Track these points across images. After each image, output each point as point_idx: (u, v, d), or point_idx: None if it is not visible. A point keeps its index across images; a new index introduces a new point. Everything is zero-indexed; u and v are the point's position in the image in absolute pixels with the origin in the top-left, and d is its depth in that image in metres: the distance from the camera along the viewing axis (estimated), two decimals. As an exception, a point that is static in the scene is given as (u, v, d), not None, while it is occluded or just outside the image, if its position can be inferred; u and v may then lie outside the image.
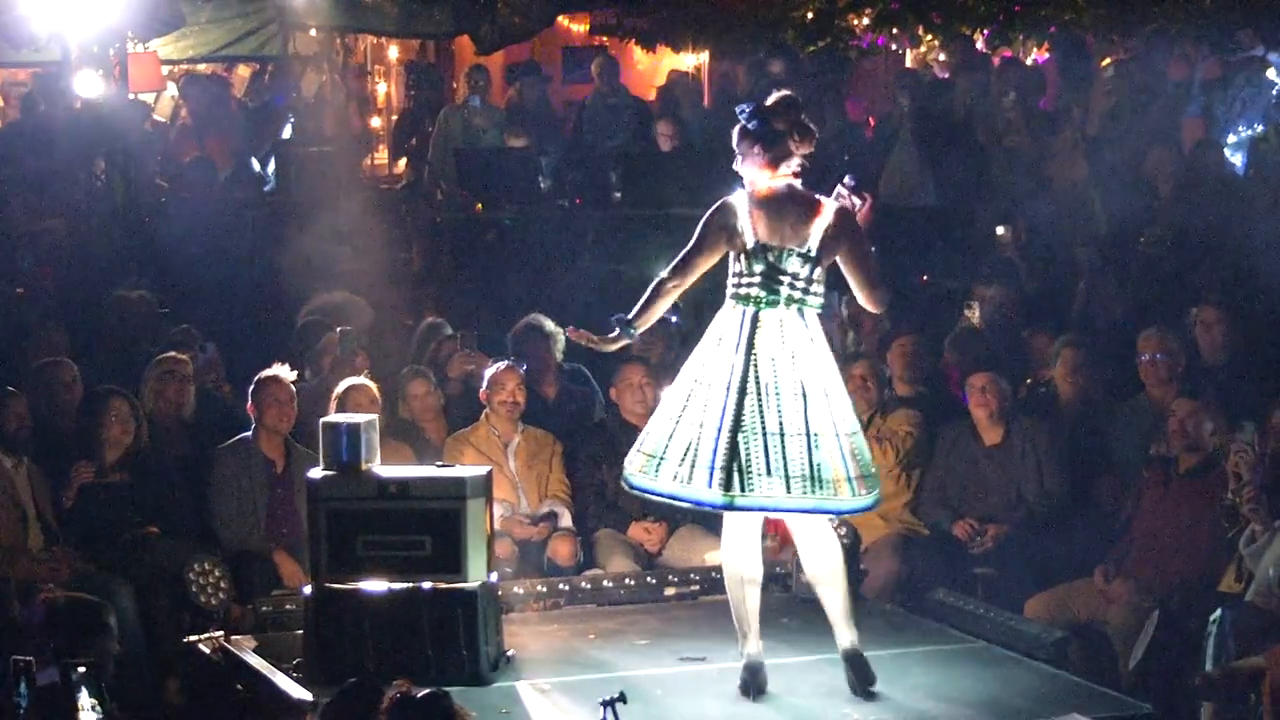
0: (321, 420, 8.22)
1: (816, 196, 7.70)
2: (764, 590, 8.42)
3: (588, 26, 18.62)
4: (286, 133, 16.56)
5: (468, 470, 8.14)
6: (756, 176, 7.66)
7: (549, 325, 10.85)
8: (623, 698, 6.35)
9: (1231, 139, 14.12)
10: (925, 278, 13.02)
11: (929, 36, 15.96)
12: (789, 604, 9.10)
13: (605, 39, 18.01)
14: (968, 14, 14.96)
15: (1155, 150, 13.20)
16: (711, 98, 17.67)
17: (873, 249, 7.82)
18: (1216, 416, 9.32)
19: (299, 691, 7.51)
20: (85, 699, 7.10)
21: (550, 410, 10.55)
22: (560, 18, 17.52)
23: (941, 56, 16.66)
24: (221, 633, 8.40)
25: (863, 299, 7.87)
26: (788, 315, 7.61)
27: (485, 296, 12.77)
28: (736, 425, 7.49)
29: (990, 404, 9.97)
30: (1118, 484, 9.86)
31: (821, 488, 7.50)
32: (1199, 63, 15.47)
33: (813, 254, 7.60)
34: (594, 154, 15.61)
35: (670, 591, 9.08)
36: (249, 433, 9.86)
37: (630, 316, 7.79)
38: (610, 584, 9.16)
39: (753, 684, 7.71)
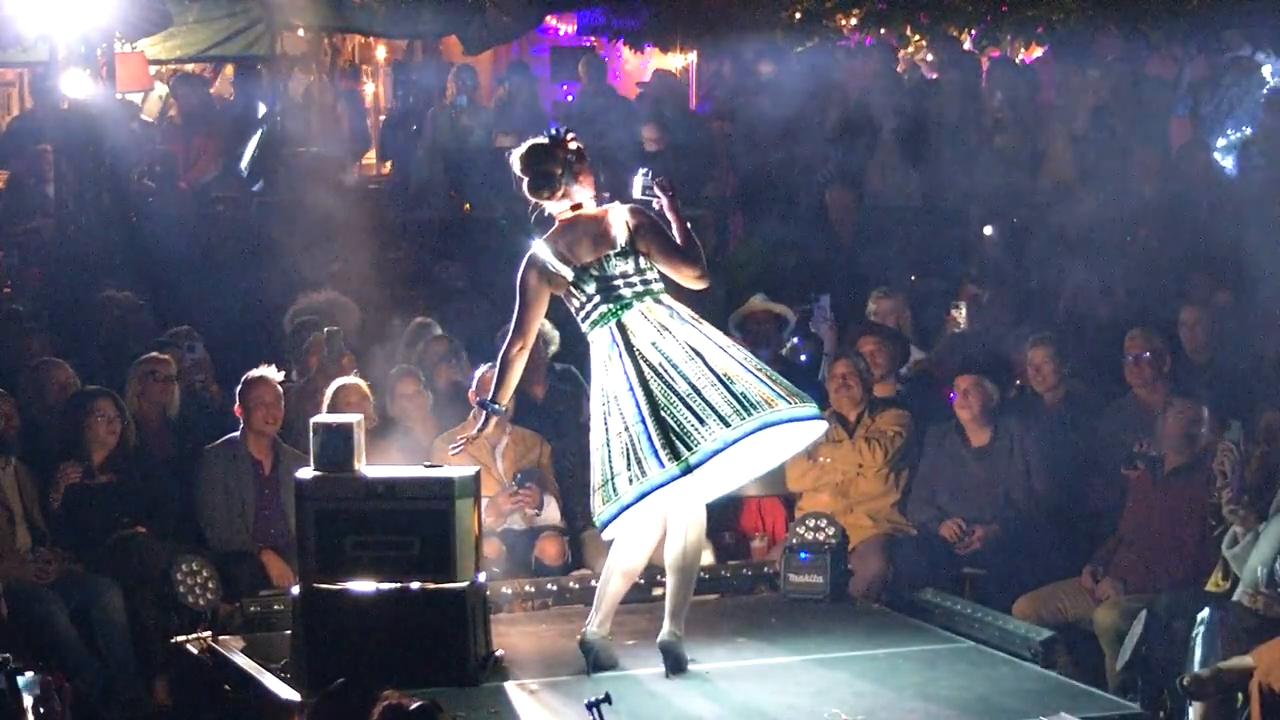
0: (311, 420, 8.21)
1: (602, 206, 7.99)
2: (754, 590, 8.47)
3: (575, 27, 18.60)
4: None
5: (456, 470, 8.13)
6: (550, 208, 8.00)
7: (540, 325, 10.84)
8: (608, 698, 6.35)
9: (1221, 142, 14.13)
10: (914, 278, 13.02)
11: (916, 36, 15.96)
12: (777, 604, 9.11)
13: (593, 39, 17.99)
14: (955, 14, 14.96)
15: (1142, 151, 13.21)
16: (699, 98, 17.66)
17: (687, 224, 8.00)
18: (1205, 416, 9.33)
19: (287, 692, 7.51)
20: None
21: (539, 411, 10.54)
22: (548, 18, 17.50)
23: (929, 57, 16.67)
24: (209, 633, 8.40)
25: (680, 280, 8.00)
26: (646, 306, 7.85)
27: (474, 296, 12.75)
28: (655, 408, 7.68)
29: (973, 406, 9.99)
30: (1106, 484, 9.87)
31: (756, 408, 7.68)
32: (1186, 63, 15.49)
33: (627, 248, 7.85)
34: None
35: (658, 592, 9.05)
36: (237, 433, 9.86)
37: (491, 397, 8.09)
38: (598, 584, 9.14)
39: (606, 659, 7.96)
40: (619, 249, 7.85)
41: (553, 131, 8.03)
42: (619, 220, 7.91)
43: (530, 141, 8.03)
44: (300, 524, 8.03)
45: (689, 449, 7.61)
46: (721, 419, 7.63)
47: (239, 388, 9.86)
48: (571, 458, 9.98)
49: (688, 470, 7.63)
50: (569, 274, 7.88)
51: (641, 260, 7.87)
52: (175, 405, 10.42)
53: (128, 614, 9.32)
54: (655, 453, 7.63)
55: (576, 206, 7.98)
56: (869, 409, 10.26)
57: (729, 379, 7.72)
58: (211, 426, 10.36)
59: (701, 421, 7.63)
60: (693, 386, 7.69)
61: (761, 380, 7.77)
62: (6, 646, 7.82)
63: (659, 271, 7.93)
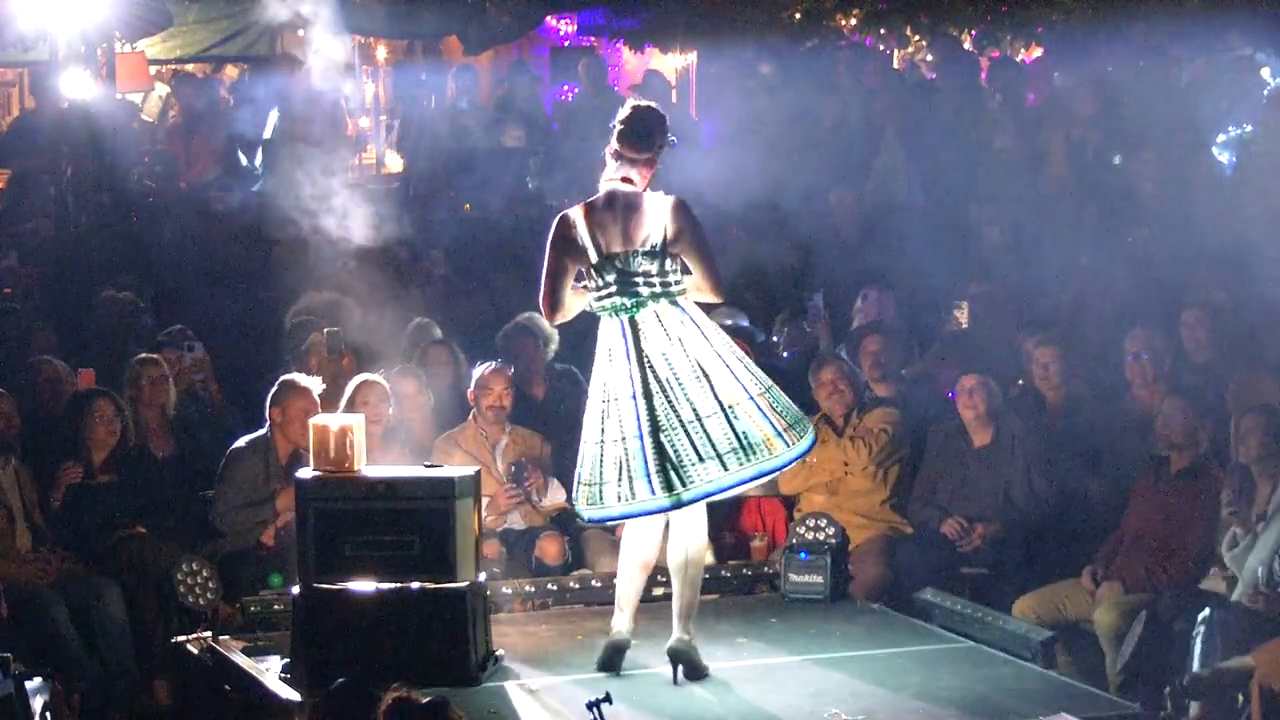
0: (310, 420, 8.21)
1: (646, 193, 7.77)
2: (754, 590, 8.46)
3: (575, 27, 18.61)
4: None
5: (456, 470, 8.13)
6: (610, 167, 7.84)
7: (539, 325, 10.85)
8: (608, 698, 6.36)
9: (1221, 137, 14.13)
10: (913, 278, 13.01)
11: (916, 37, 15.97)
12: (777, 605, 9.11)
13: (593, 39, 18.00)
14: (955, 14, 14.96)
15: (1141, 150, 13.21)
16: (698, 99, 17.67)
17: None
18: (1205, 416, 9.33)
19: (287, 692, 7.51)
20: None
21: (539, 410, 10.55)
22: (548, 18, 17.51)
23: (928, 57, 16.68)
24: (209, 633, 8.39)
25: (705, 289, 7.84)
26: (660, 308, 7.71)
27: (474, 296, 12.74)
28: (655, 428, 7.60)
29: (978, 406, 10.00)
30: (1106, 484, 9.87)
31: (755, 453, 7.62)
32: (1186, 63, 15.49)
33: (657, 248, 7.67)
34: (581, 154, 15.56)
35: (659, 591, 9.07)
36: (264, 431, 9.74)
37: None
38: (598, 584, 9.15)
39: (617, 661, 7.88)
40: (648, 249, 7.69)
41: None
42: (659, 215, 7.71)
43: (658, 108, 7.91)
44: (300, 524, 8.03)
45: (683, 485, 7.59)
46: (720, 459, 7.58)
47: (275, 390, 9.70)
48: (572, 457, 9.96)
49: (678, 505, 7.64)
50: (593, 257, 7.73)
51: (668, 262, 7.70)
52: (174, 405, 10.40)
53: (128, 614, 9.32)
54: (648, 477, 7.59)
55: (626, 180, 7.78)
56: (859, 409, 10.26)
57: (733, 411, 7.62)
58: (211, 426, 10.33)
59: (700, 459, 7.57)
60: (696, 414, 7.61)
61: (763, 413, 7.67)
62: (7, 647, 7.84)
63: (681, 273, 7.79)
